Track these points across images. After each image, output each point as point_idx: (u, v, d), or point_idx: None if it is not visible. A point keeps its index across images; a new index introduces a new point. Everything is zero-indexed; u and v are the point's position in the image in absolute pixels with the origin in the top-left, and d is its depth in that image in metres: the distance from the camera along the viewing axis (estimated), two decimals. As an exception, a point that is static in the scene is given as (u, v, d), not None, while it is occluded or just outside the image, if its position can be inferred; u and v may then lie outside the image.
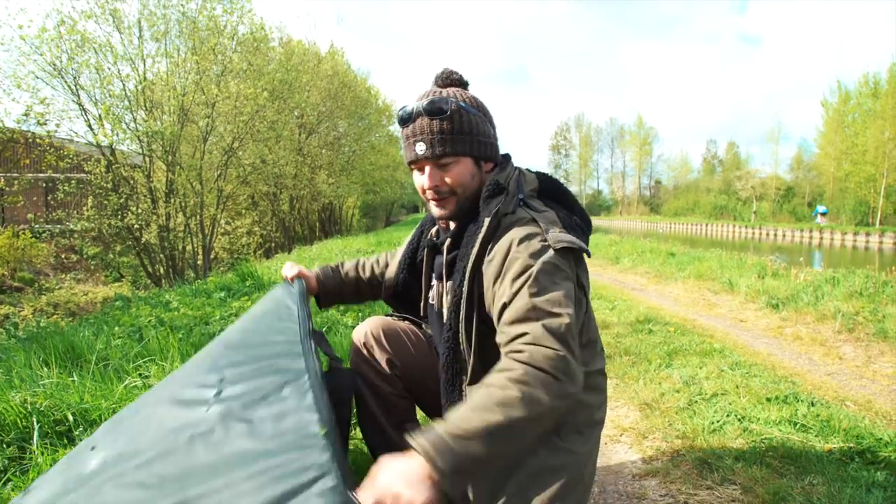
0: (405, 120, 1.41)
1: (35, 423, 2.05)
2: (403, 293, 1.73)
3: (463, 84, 1.49)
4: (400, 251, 1.79)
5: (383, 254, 1.93)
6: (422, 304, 1.70)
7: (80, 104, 10.81)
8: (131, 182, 11.80)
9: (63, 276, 15.68)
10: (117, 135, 11.18)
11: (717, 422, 2.57)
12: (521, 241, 1.27)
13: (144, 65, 11.56)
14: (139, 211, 11.42)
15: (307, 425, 1.14)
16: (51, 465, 1.83)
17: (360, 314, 4.46)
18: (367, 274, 1.88)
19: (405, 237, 1.81)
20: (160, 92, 11.67)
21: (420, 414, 1.83)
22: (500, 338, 1.21)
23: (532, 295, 1.18)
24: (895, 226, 32.54)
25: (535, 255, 1.24)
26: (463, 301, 1.32)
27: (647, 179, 76.08)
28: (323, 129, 22.10)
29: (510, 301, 1.20)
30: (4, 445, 2.00)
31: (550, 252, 1.25)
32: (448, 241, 1.49)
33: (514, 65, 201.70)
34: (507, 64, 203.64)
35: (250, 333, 1.51)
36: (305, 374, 1.28)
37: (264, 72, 13.74)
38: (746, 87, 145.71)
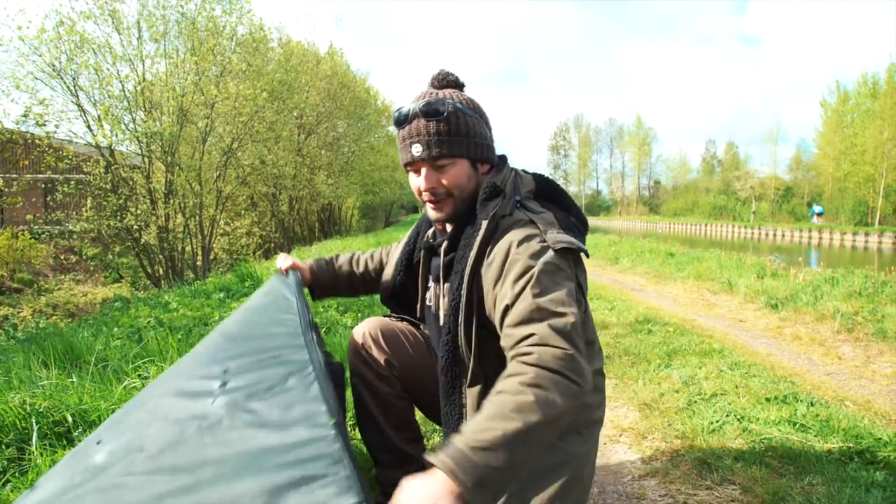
0: (401, 121, 1.40)
1: (34, 424, 2.05)
2: (400, 294, 1.73)
3: (459, 85, 1.49)
4: (396, 251, 1.79)
5: (378, 249, 1.94)
6: (418, 305, 1.70)
7: (79, 105, 10.82)
8: (130, 183, 11.81)
9: (62, 277, 15.67)
10: (116, 135, 11.19)
11: (717, 422, 2.57)
12: (520, 243, 1.26)
13: (143, 65, 11.57)
14: (138, 212, 11.42)
15: (315, 415, 1.14)
16: (50, 466, 1.83)
17: (359, 314, 4.46)
18: (361, 269, 1.89)
19: (404, 237, 1.82)
20: (159, 93, 11.67)
21: (419, 414, 1.83)
22: (505, 341, 1.20)
23: (535, 296, 1.17)
24: (894, 226, 32.58)
25: (536, 256, 1.24)
26: (462, 304, 1.32)
27: (646, 180, 76.22)
28: (322, 130, 22.10)
29: (513, 303, 1.20)
30: (3, 446, 1.99)
31: (550, 252, 1.25)
32: (445, 243, 1.49)
33: (512, 65, 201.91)
34: (505, 64, 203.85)
35: (251, 325, 1.52)
36: (310, 366, 1.29)
37: (263, 72, 13.74)
38: (745, 87, 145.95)
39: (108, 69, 10.99)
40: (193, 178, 12.23)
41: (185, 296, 5.55)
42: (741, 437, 2.42)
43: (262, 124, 14.16)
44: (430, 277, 1.61)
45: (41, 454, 1.92)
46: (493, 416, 1.02)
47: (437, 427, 2.30)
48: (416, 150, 1.38)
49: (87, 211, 11.59)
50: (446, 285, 1.49)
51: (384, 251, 1.92)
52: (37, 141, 10.90)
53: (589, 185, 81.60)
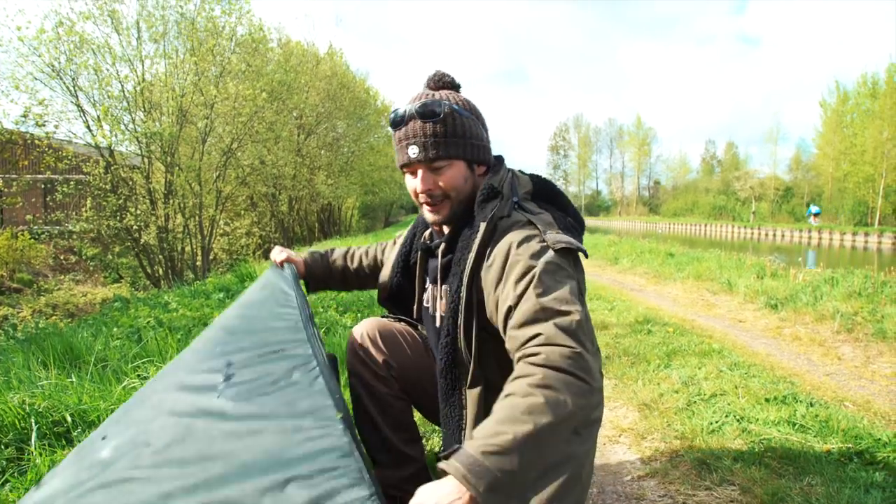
0: (397, 123, 1.40)
1: (33, 425, 2.05)
2: (398, 295, 1.72)
3: (455, 86, 1.48)
4: (392, 252, 1.78)
5: (373, 246, 1.94)
6: (415, 306, 1.70)
7: (78, 105, 10.81)
8: (130, 183, 11.80)
9: (62, 277, 15.67)
10: (116, 136, 11.18)
11: (716, 422, 2.57)
12: (520, 244, 1.26)
13: (143, 66, 11.56)
14: (138, 212, 11.42)
15: (323, 409, 1.15)
16: (49, 467, 1.83)
17: (358, 314, 4.46)
18: (355, 264, 1.90)
19: (400, 237, 1.82)
20: (159, 93, 11.67)
21: (417, 415, 1.83)
22: (510, 343, 1.19)
23: (538, 295, 1.16)
24: (894, 226, 32.60)
25: (536, 256, 1.23)
26: (462, 307, 1.31)
27: (645, 180, 76.27)
28: (322, 130, 22.10)
29: (516, 304, 1.19)
30: (3, 446, 1.99)
31: (550, 252, 1.25)
32: (443, 245, 1.49)
33: (512, 65, 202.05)
34: (505, 64, 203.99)
35: (251, 320, 1.51)
36: (313, 360, 1.29)
37: (263, 73, 13.73)
38: (745, 87, 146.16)
39: (108, 69, 10.99)
40: (193, 178, 12.22)
41: (184, 296, 5.55)
42: (740, 437, 2.42)
43: (262, 125, 14.15)
44: (428, 279, 1.61)
45: (40, 454, 1.92)
46: (503, 419, 1.01)
47: (436, 427, 2.30)
48: (413, 151, 1.37)
49: (86, 211, 11.58)
50: (444, 287, 1.49)
51: (379, 248, 1.92)
52: (36, 141, 10.89)
53: (589, 186, 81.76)
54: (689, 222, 47.83)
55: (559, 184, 75.82)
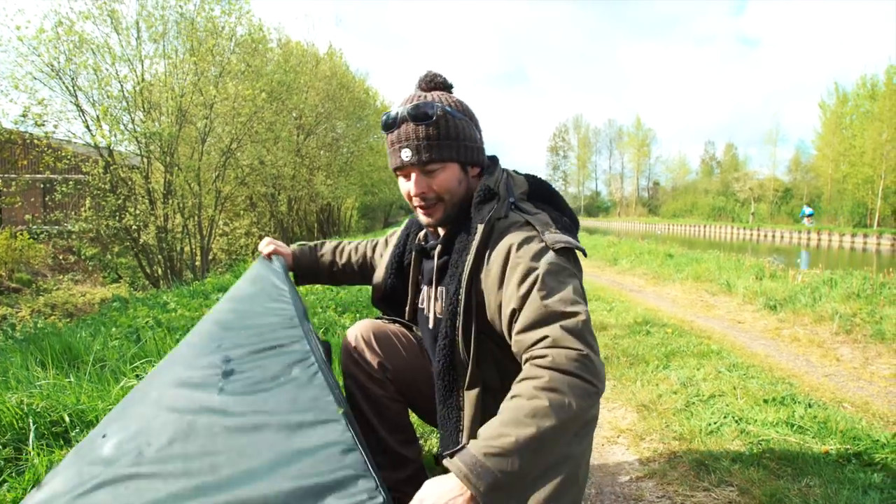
0: (389, 125, 1.38)
1: (31, 425, 2.04)
2: (392, 297, 1.72)
3: (447, 87, 1.46)
4: (385, 251, 1.77)
5: (364, 242, 1.93)
6: (407, 307, 1.69)
7: (77, 105, 10.79)
8: (129, 183, 11.78)
9: (61, 277, 15.65)
10: (115, 136, 11.16)
11: (715, 423, 2.57)
12: (519, 246, 1.26)
13: (142, 66, 11.54)
14: (137, 212, 11.40)
15: (324, 404, 1.17)
16: (47, 467, 1.82)
17: (357, 315, 4.46)
18: (344, 260, 1.89)
19: (392, 237, 1.81)
20: (158, 93, 11.65)
21: (413, 417, 1.83)
22: (516, 346, 1.20)
23: (543, 298, 1.17)
24: (893, 227, 32.61)
25: (537, 258, 1.23)
26: (461, 309, 1.30)
27: (645, 181, 76.31)
28: (321, 131, 22.08)
29: (520, 307, 1.19)
30: (1, 447, 1.99)
31: (551, 253, 1.25)
32: (439, 247, 1.48)
33: (512, 66, 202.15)
34: (505, 65, 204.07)
35: (244, 314, 1.51)
36: (311, 356, 1.31)
37: (262, 73, 13.72)
38: (744, 88, 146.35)
39: (107, 69, 10.97)
40: (192, 178, 12.21)
41: (183, 296, 5.54)
42: (739, 438, 2.42)
43: (261, 125, 14.14)
44: (422, 280, 1.60)
45: (38, 454, 1.91)
46: (507, 421, 1.03)
47: (434, 428, 2.30)
48: (406, 154, 1.36)
49: (85, 211, 11.55)
50: (440, 289, 1.48)
51: (369, 245, 1.91)
52: (35, 141, 10.88)
53: (588, 186, 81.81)
54: (688, 223, 47.82)
55: (559, 184, 76.27)
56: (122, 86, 11.16)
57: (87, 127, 10.99)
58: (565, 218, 1.45)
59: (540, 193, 1.49)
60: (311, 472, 1.03)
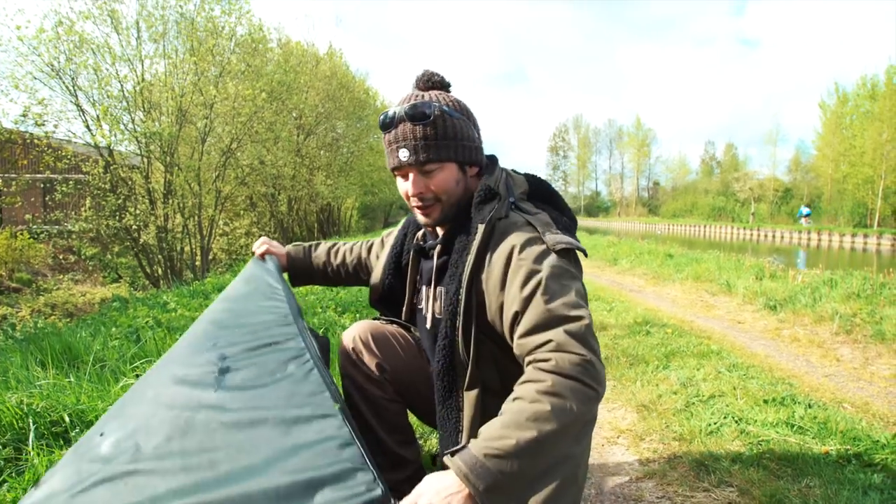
0: (387, 125, 1.38)
1: (31, 425, 2.04)
2: (389, 297, 1.71)
3: (445, 86, 1.45)
4: (382, 251, 1.77)
5: (359, 242, 1.92)
6: (405, 308, 1.69)
7: (78, 105, 10.80)
8: (129, 183, 11.78)
9: (61, 276, 15.65)
10: (115, 136, 11.16)
11: (715, 424, 2.57)
12: (522, 248, 1.25)
13: (142, 66, 11.54)
14: (137, 212, 11.40)
15: (320, 400, 1.18)
16: (47, 467, 1.82)
17: (357, 315, 4.46)
18: (338, 260, 1.89)
19: (389, 237, 1.80)
20: (158, 93, 11.66)
21: (412, 417, 1.82)
22: (519, 349, 1.20)
23: (547, 301, 1.17)
24: (893, 227, 32.59)
25: (539, 260, 1.23)
26: (461, 310, 1.30)
27: (645, 181, 76.31)
28: (321, 131, 22.09)
29: (523, 309, 1.19)
30: (1, 447, 1.99)
31: (553, 255, 1.25)
32: (438, 247, 1.47)
33: (512, 66, 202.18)
34: (505, 65, 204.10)
35: (239, 313, 1.51)
36: (306, 353, 1.32)
37: (262, 73, 13.73)
38: (744, 88, 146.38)
39: (107, 69, 10.97)
40: (192, 178, 12.22)
41: (183, 296, 5.54)
42: (739, 438, 2.42)
43: (261, 125, 14.15)
44: (422, 280, 1.59)
45: (38, 454, 1.91)
46: (508, 423, 1.05)
47: (432, 428, 2.29)
48: (403, 154, 1.35)
49: (85, 211, 11.55)
50: (439, 289, 1.48)
51: (364, 246, 1.90)
52: (35, 141, 10.88)
53: (588, 186, 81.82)
54: (688, 223, 47.82)
55: (559, 184, 76.26)
56: (122, 86, 11.17)
57: (88, 127, 11.00)
58: (565, 217, 1.44)
59: (540, 193, 1.49)
60: (309, 465, 1.04)
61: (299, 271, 1.89)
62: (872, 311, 4.75)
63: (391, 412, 1.67)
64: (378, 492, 1.02)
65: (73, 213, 11.73)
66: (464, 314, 1.30)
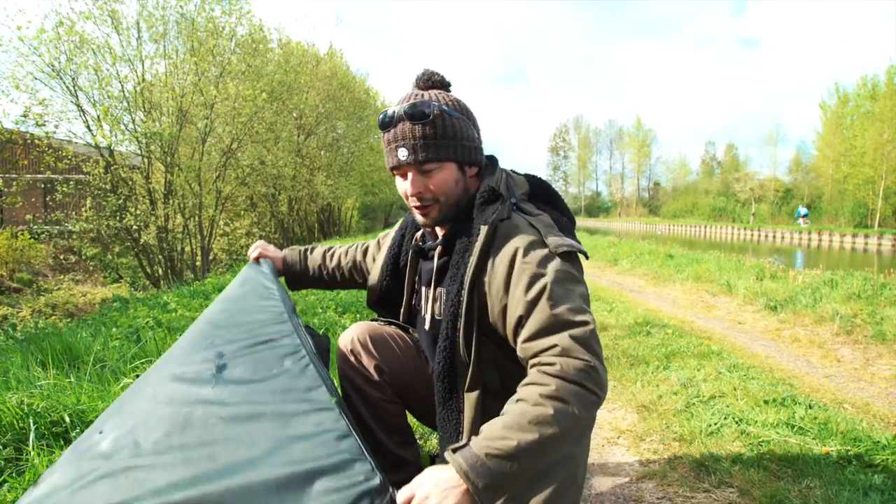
0: (386, 124, 1.37)
1: (31, 425, 2.04)
2: (387, 298, 1.70)
3: (445, 85, 1.44)
4: (379, 253, 1.76)
5: (355, 245, 1.91)
6: (403, 309, 1.68)
7: (78, 105, 10.81)
8: (130, 183, 11.80)
9: (61, 277, 15.66)
10: (116, 136, 11.18)
11: (715, 424, 2.57)
12: (525, 251, 1.25)
13: (143, 66, 11.56)
14: (138, 212, 11.41)
15: (316, 394, 1.20)
16: (47, 467, 1.82)
17: (357, 315, 4.46)
18: (333, 263, 1.88)
19: (386, 238, 1.79)
20: (159, 93, 11.67)
21: (411, 418, 1.82)
22: (522, 352, 1.21)
23: (552, 306, 1.17)
24: (894, 228, 32.58)
25: (543, 264, 1.23)
26: (462, 311, 1.30)
27: (645, 181, 76.22)
28: (321, 131, 22.11)
29: (527, 313, 1.19)
30: (1, 447, 1.99)
31: (557, 259, 1.25)
32: (439, 247, 1.47)
33: (512, 66, 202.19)
34: (505, 65, 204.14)
35: (235, 313, 1.52)
36: (301, 349, 1.34)
37: (263, 73, 13.74)
38: (745, 89, 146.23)
39: (108, 69, 10.99)
40: (193, 178, 12.23)
41: (183, 296, 5.54)
42: (739, 439, 2.42)
43: (262, 125, 14.16)
44: (421, 281, 1.58)
45: (38, 454, 1.92)
46: (510, 425, 1.06)
47: (431, 429, 2.29)
48: (402, 154, 1.34)
49: (86, 211, 11.57)
50: (439, 290, 1.47)
51: (360, 248, 1.89)
52: (36, 141, 10.89)
53: (588, 187, 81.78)
54: (688, 224, 47.79)
55: (559, 185, 76.22)
56: (122, 86, 11.18)
57: (88, 127, 11.01)
58: (564, 218, 1.44)
59: (540, 194, 1.48)
60: (308, 457, 1.05)
61: (296, 275, 1.89)
62: (873, 312, 4.74)
63: (390, 413, 1.67)
64: (377, 481, 1.04)
65: (73, 213, 11.74)
66: (465, 316, 1.30)
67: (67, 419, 2.12)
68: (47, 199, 12.08)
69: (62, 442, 2.05)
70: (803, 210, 37.47)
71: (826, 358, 4.01)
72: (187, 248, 12.99)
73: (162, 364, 1.39)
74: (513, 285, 1.24)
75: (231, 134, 13.06)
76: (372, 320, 1.77)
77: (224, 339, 1.38)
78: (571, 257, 1.30)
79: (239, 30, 13.12)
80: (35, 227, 14.40)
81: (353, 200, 31.32)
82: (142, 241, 11.81)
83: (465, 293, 1.30)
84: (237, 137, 13.15)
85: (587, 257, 1.38)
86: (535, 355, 1.17)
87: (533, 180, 1.50)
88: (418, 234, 1.63)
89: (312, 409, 1.17)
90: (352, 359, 1.65)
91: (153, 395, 1.24)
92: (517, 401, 1.11)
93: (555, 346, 1.14)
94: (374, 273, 1.72)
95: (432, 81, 1.44)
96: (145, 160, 11.81)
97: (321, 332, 3.84)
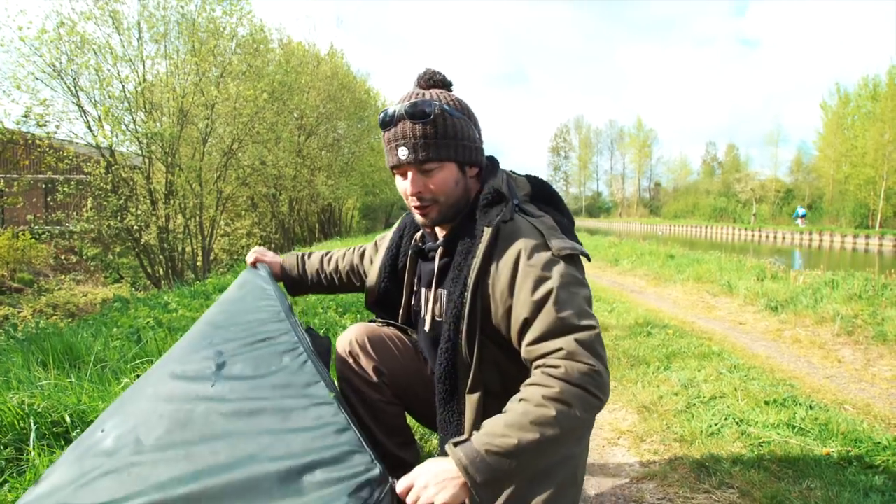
0: (386, 123, 1.36)
1: (32, 425, 2.05)
2: (385, 300, 1.69)
3: (446, 85, 1.43)
4: (376, 255, 1.75)
5: (352, 249, 1.91)
6: (402, 310, 1.67)
7: (79, 105, 10.84)
8: (131, 183, 11.82)
9: (62, 277, 15.68)
10: (117, 136, 11.21)
11: (715, 425, 2.57)
12: (529, 254, 1.25)
13: (144, 66, 11.58)
14: (138, 212, 11.43)
15: (316, 390, 1.23)
16: (48, 467, 1.83)
17: (358, 316, 4.46)
18: (331, 267, 1.88)
19: (384, 240, 1.78)
20: (160, 93, 11.69)
21: (410, 420, 1.82)
22: (527, 354, 1.22)
23: (558, 310, 1.18)
24: (895, 228, 32.53)
25: (549, 267, 1.23)
26: (465, 313, 1.30)
27: (646, 181, 76.19)
28: (322, 131, 22.11)
29: (533, 317, 1.20)
30: (2, 447, 1.99)
31: (561, 263, 1.25)
32: (440, 248, 1.46)
33: (512, 67, 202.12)
34: (505, 66, 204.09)
35: (233, 314, 1.53)
36: (300, 346, 1.35)
37: (264, 73, 13.76)
38: (745, 89, 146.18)
39: (109, 70, 11.01)
40: (194, 178, 12.24)
41: (184, 296, 5.55)
42: (740, 440, 2.42)
43: (263, 125, 14.17)
44: (421, 282, 1.57)
45: (39, 455, 1.92)
46: (512, 424, 1.08)
47: (431, 430, 2.29)
48: (402, 153, 1.33)
49: (87, 211, 11.59)
50: (440, 291, 1.46)
51: (357, 252, 1.88)
52: (37, 141, 10.91)
53: (589, 187, 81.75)
54: (689, 224, 47.72)
55: (560, 185, 76.13)
56: (123, 86, 11.21)
57: (89, 127, 11.04)
58: (565, 219, 1.44)
59: (542, 195, 1.48)
60: (308, 449, 1.08)
61: (294, 281, 1.88)
62: (874, 313, 4.74)
63: (389, 415, 1.66)
64: (376, 471, 1.06)
65: (74, 213, 11.76)
66: (468, 317, 1.29)
67: (68, 419, 2.12)
68: (48, 199, 12.11)
69: (63, 442, 2.05)
70: (801, 210, 37.42)
71: (827, 359, 4.01)
72: (188, 249, 13.00)
73: (162, 364, 1.40)
74: (517, 288, 1.24)
75: (232, 134, 13.08)
76: (370, 321, 1.77)
77: (223, 338, 1.40)
78: (574, 260, 1.30)
79: (240, 30, 13.16)
80: (36, 227, 14.43)
81: (353, 201, 31.32)
82: (143, 241, 11.83)
83: (468, 295, 1.30)
84: (238, 138, 13.17)
85: (589, 259, 1.38)
86: (540, 357, 1.17)
87: (534, 181, 1.49)
88: (417, 234, 1.62)
89: (312, 403, 1.19)
90: (350, 360, 1.64)
91: (154, 394, 1.25)
92: (520, 400, 1.12)
93: (560, 349, 1.15)
94: (373, 274, 1.71)
95: (434, 81, 1.43)
96: (146, 160, 11.83)
97: (322, 332, 3.85)
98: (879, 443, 2.37)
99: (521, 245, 1.27)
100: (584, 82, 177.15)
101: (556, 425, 1.07)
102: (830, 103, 41.40)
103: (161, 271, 12.50)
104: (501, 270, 1.27)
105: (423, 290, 1.55)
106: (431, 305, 1.50)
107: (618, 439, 2.56)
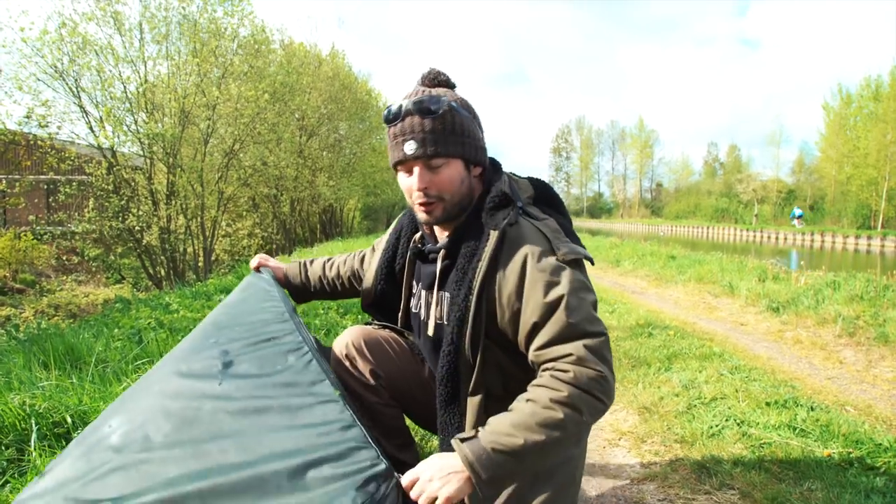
0: (392, 118, 1.35)
1: (34, 426, 2.05)
2: (382, 302, 1.68)
3: (450, 85, 1.43)
4: (374, 258, 1.73)
5: (352, 254, 1.90)
6: (401, 312, 1.66)
7: (81, 106, 10.87)
8: (132, 184, 11.84)
9: (64, 277, 15.70)
10: (118, 137, 11.23)
11: (716, 426, 2.57)
12: (537, 259, 1.25)
13: (145, 67, 11.61)
14: (140, 213, 11.45)
15: (321, 387, 1.24)
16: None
17: (359, 317, 4.46)
18: (333, 273, 1.87)
19: (381, 242, 1.76)
20: (161, 94, 11.71)
21: (408, 421, 1.82)
22: (534, 357, 1.23)
23: (568, 316, 1.19)
24: (896, 229, 32.51)
25: (557, 273, 1.24)
26: (470, 316, 1.29)
27: (648, 182, 76.14)
28: (324, 132, 22.15)
29: (543, 322, 1.21)
30: (3, 447, 1.99)
31: (568, 269, 1.25)
32: (443, 250, 1.44)
33: (513, 67, 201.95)
34: (506, 66, 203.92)
35: (238, 315, 1.54)
36: (304, 345, 1.37)
37: (265, 74, 13.78)
38: (747, 89, 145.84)
39: (111, 71, 11.04)
40: (195, 179, 12.26)
41: (186, 297, 5.56)
42: (740, 441, 2.42)
43: (264, 126, 14.19)
44: (420, 284, 1.56)
45: (40, 455, 1.92)
46: (519, 424, 1.10)
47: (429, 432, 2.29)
48: (410, 147, 1.31)
49: (89, 212, 11.62)
50: (442, 293, 1.45)
51: (357, 256, 1.87)
52: (39, 142, 10.95)
53: (591, 188, 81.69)
54: (691, 225, 47.69)
55: (561, 185, 76.06)
56: (125, 87, 11.24)
57: (91, 128, 11.07)
58: (566, 221, 1.44)
59: (544, 197, 1.48)
60: (315, 446, 1.09)
61: (298, 288, 1.87)
62: (876, 314, 4.73)
63: (387, 417, 1.65)
64: (382, 466, 1.08)
65: (76, 214, 11.79)
66: (473, 321, 1.29)
67: (69, 420, 2.13)
68: (50, 200, 12.14)
69: (64, 443, 2.05)
70: (798, 211, 37.36)
71: (828, 360, 4.01)
72: (189, 249, 13.03)
73: (166, 363, 1.41)
74: (526, 293, 1.24)
75: (233, 135, 13.10)
76: (366, 324, 1.76)
77: (228, 337, 1.41)
78: (579, 264, 1.30)
79: (241, 31, 13.18)
80: (38, 228, 14.44)
81: (355, 201, 31.34)
82: (144, 241, 11.85)
83: (473, 298, 1.29)
84: (239, 138, 13.19)
85: (592, 263, 1.37)
86: (549, 361, 1.19)
87: (537, 184, 1.49)
88: (416, 236, 1.59)
89: (317, 401, 1.20)
90: (347, 363, 1.63)
91: (160, 392, 1.26)
92: (527, 400, 1.13)
93: (570, 354, 1.16)
94: (369, 276, 1.69)
95: (438, 80, 1.42)
96: (148, 161, 11.85)
97: (323, 333, 3.85)
98: (881, 444, 2.37)
99: (528, 250, 1.27)
100: (584, 82, 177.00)
101: (563, 428, 1.09)
102: (832, 104, 41.43)
103: (162, 272, 12.52)
104: (509, 275, 1.27)
105: (424, 292, 1.53)
106: (433, 308, 1.49)
107: (619, 440, 2.56)
